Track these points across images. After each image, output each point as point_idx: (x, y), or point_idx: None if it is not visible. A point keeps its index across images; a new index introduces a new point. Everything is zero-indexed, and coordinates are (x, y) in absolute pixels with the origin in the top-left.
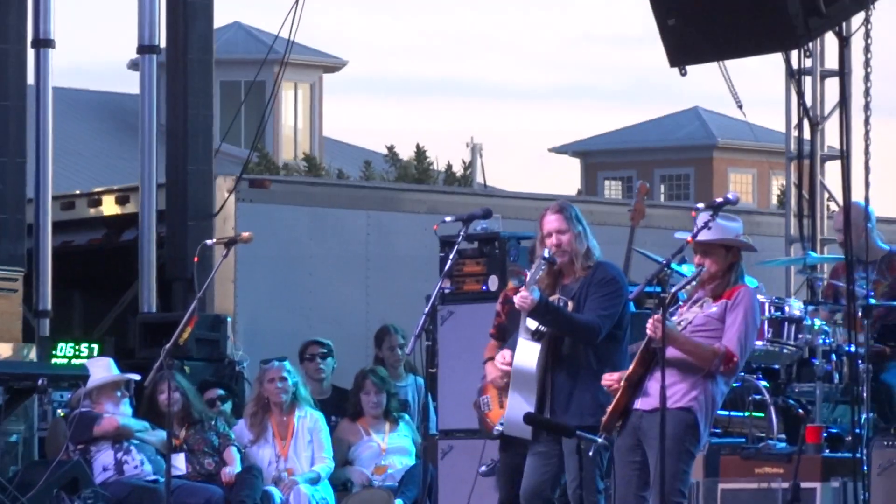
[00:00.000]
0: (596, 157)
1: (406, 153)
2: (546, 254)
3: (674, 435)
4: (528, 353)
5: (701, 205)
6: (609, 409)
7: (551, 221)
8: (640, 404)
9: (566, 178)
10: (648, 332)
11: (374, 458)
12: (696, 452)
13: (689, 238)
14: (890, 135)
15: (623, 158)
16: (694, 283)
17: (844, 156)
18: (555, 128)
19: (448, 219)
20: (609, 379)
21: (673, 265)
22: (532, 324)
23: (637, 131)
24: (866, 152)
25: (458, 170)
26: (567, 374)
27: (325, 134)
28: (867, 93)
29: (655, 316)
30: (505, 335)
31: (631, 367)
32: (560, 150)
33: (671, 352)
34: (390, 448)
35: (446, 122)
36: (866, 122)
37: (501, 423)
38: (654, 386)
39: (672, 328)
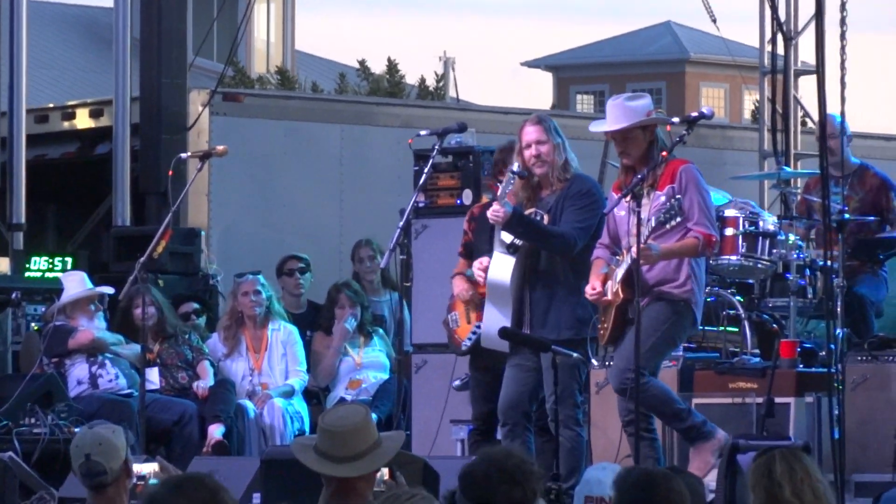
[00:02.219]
0: (568, 71)
1: (378, 67)
2: (515, 167)
3: (667, 319)
4: (502, 267)
5: (676, 119)
6: (608, 326)
7: (530, 133)
8: (633, 313)
9: (538, 92)
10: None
11: (349, 372)
12: (682, 342)
13: (606, 132)
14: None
15: (595, 73)
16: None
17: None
18: (527, 42)
19: (423, 132)
20: (593, 290)
21: None
22: (507, 237)
23: (609, 45)
24: (842, 67)
25: (430, 84)
26: (544, 288)
27: (297, 47)
28: (843, 7)
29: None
30: (472, 253)
31: (617, 292)
32: (532, 64)
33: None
34: (365, 362)
35: (418, 35)
36: (842, 36)
37: (470, 338)
38: (648, 292)
39: (655, 249)
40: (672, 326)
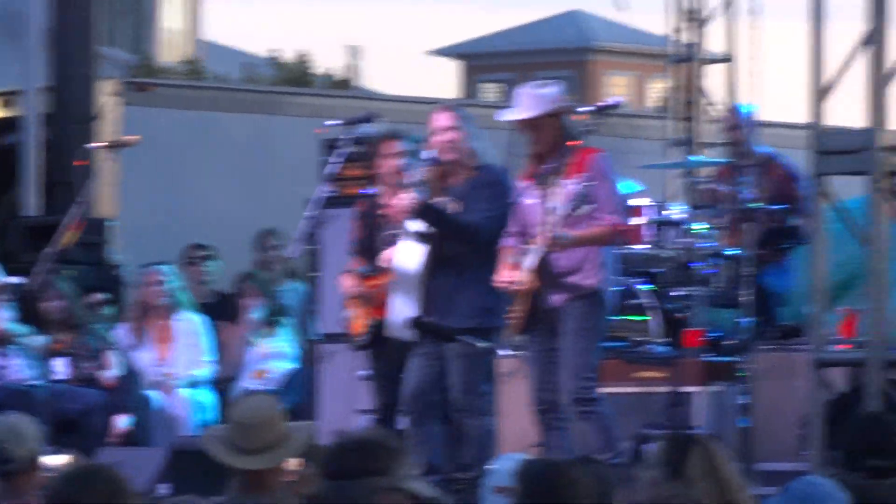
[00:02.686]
0: (475, 59)
1: (288, 57)
2: (428, 154)
3: (590, 317)
4: (409, 255)
5: (587, 108)
6: (520, 315)
7: (440, 120)
8: (554, 301)
9: (445, 81)
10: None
11: (255, 362)
12: (605, 330)
13: (518, 118)
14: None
15: (502, 61)
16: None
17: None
18: (435, 30)
19: (332, 122)
20: (503, 280)
21: None
22: (415, 225)
23: (516, 34)
24: (754, 56)
25: (339, 74)
26: (449, 276)
27: (205, 37)
28: None
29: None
30: (363, 250)
31: (528, 281)
32: (440, 52)
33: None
34: (271, 352)
35: (327, 24)
36: (752, 25)
37: (367, 332)
38: (559, 281)
39: (567, 237)
40: (593, 320)
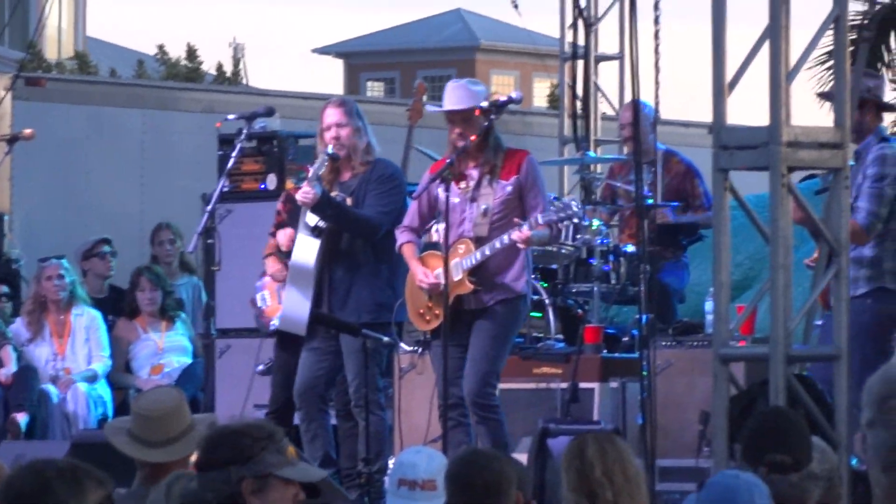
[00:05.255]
0: (358, 58)
1: (174, 53)
2: (329, 149)
3: (510, 323)
4: (306, 249)
5: (485, 103)
6: (439, 314)
7: (331, 115)
8: (474, 304)
9: (329, 79)
10: (521, 245)
11: (151, 356)
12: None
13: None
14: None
15: (386, 60)
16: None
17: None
18: (318, 29)
19: (231, 117)
20: (426, 278)
21: None
22: (312, 219)
23: (400, 32)
24: (656, 52)
25: (228, 70)
26: (345, 270)
27: (91, 34)
28: None
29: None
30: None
31: (463, 281)
32: (323, 50)
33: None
34: (167, 347)
35: (213, 21)
36: (656, 21)
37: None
38: (489, 282)
39: (538, 236)
40: (514, 326)
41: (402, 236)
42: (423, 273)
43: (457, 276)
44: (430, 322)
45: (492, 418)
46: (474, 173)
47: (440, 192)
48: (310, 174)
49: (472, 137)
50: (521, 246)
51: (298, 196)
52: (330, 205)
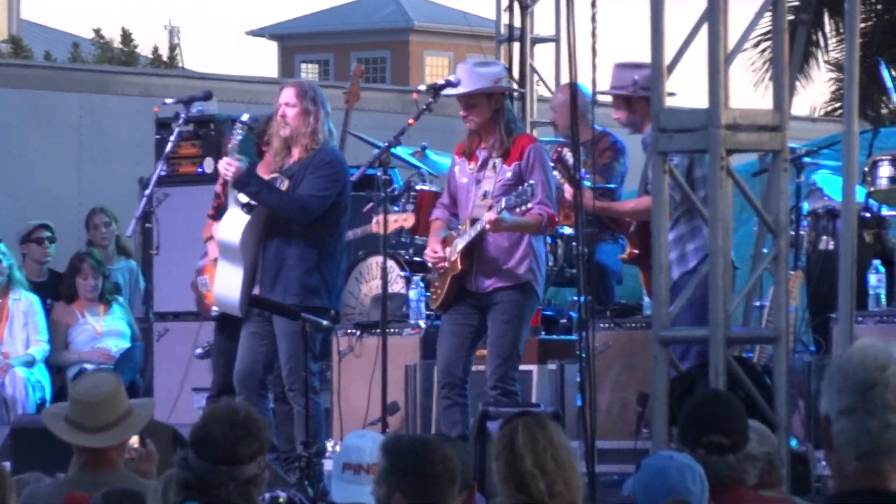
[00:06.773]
0: (293, 40)
1: (110, 36)
2: (244, 116)
3: (514, 309)
4: (233, 225)
5: (423, 87)
6: (442, 292)
7: (284, 95)
8: (484, 286)
9: (263, 61)
10: (487, 226)
11: (90, 340)
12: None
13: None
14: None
15: (320, 41)
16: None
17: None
18: (252, 10)
19: (169, 100)
20: (434, 254)
21: (393, 150)
22: (243, 197)
23: (334, 14)
24: (593, 35)
25: (164, 53)
26: (276, 252)
27: (24, 17)
28: None
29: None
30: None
31: (456, 262)
32: (257, 33)
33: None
34: (105, 331)
35: (147, 4)
36: (593, 4)
37: None
38: (489, 267)
39: (508, 220)
40: (524, 311)
41: (434, 212)
42: (431, 250)
43: (453, 256)
44: (437, 300)
45: (506, 403)
46: (482, 155)
47: (456, 171)
48: (230, 146)
49: (475, 119)
50: (487, 227)
51: (220, 167)
52: (251, 181)
